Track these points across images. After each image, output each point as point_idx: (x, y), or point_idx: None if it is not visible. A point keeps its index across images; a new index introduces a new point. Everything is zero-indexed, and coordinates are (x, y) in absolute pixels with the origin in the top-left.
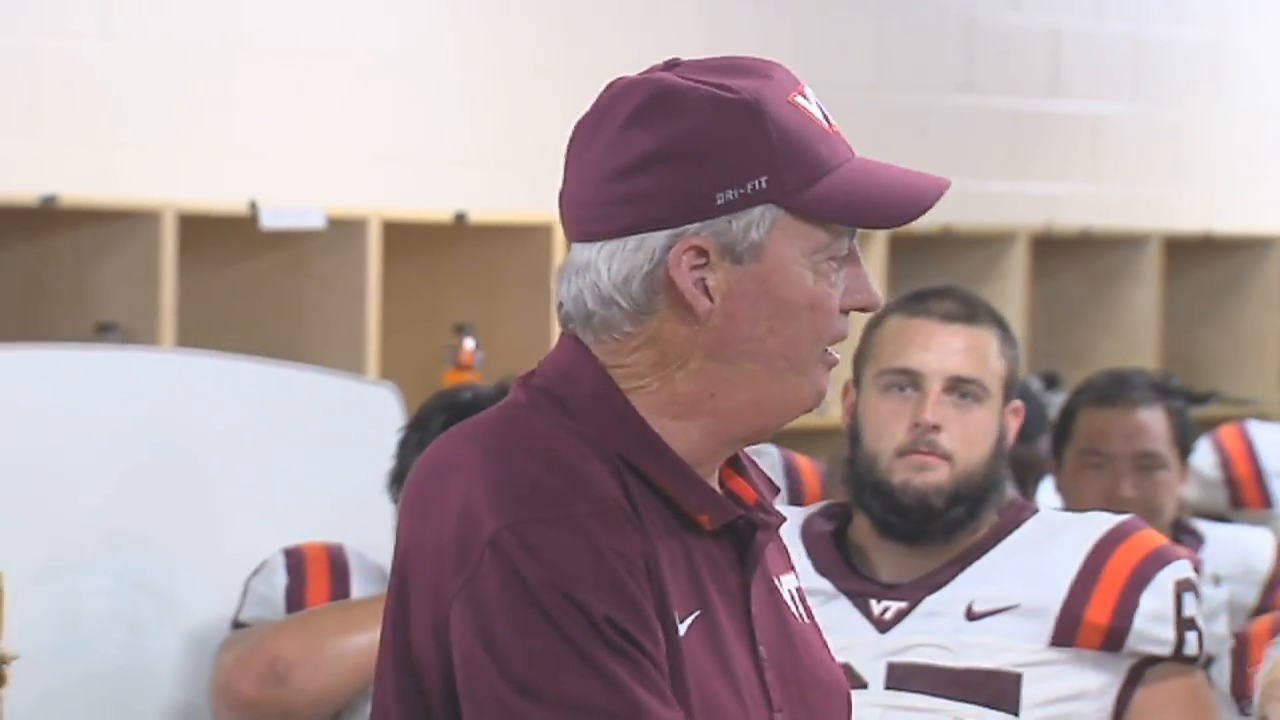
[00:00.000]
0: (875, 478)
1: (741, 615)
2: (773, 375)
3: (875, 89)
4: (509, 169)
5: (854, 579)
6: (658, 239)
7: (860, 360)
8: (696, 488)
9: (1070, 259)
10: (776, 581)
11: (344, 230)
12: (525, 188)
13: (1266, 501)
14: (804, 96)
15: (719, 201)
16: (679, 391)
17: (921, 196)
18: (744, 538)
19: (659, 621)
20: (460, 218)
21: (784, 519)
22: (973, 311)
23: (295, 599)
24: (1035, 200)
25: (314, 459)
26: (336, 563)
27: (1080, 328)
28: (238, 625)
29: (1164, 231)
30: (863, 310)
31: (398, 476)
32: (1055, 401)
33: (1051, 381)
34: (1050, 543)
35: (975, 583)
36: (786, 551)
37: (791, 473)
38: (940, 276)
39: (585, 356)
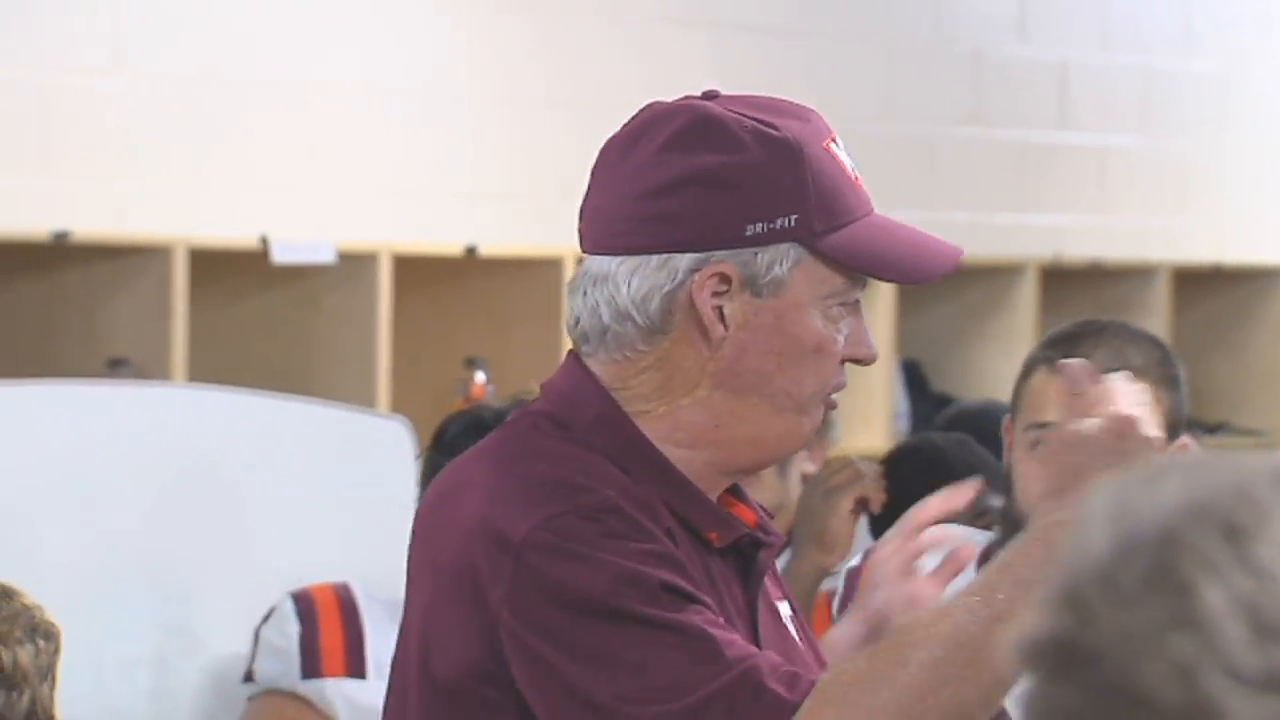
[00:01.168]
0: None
1: (748, 632)
2: (775, 412)
3: (884, 121)
4: (519, 202)
5: None
6: (683, 261)
7: (1014, 405)
8: (704, 506)
9: (1079, 290)
10: (776, 605)
11: (355, 264)
12: (535, 221)
13: None
14: (836, 144)
15: (748, 233)
16: (683, 420)
17: (939, 260)
18: (747, 556)
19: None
20: (470, 251)
21: (784, 540)
22: (1122, 361)
23: (309, 648)
24: (1044, 232)
25: (326, 493)
26: (345, 604)
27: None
28: (250, 678)
29: (1173, 262)
30: (858, 363)
31: None
32: None
33: None
34: None
35: None
36: (779, 578)
37: None
38: (949, 308)
39: (589, 380)
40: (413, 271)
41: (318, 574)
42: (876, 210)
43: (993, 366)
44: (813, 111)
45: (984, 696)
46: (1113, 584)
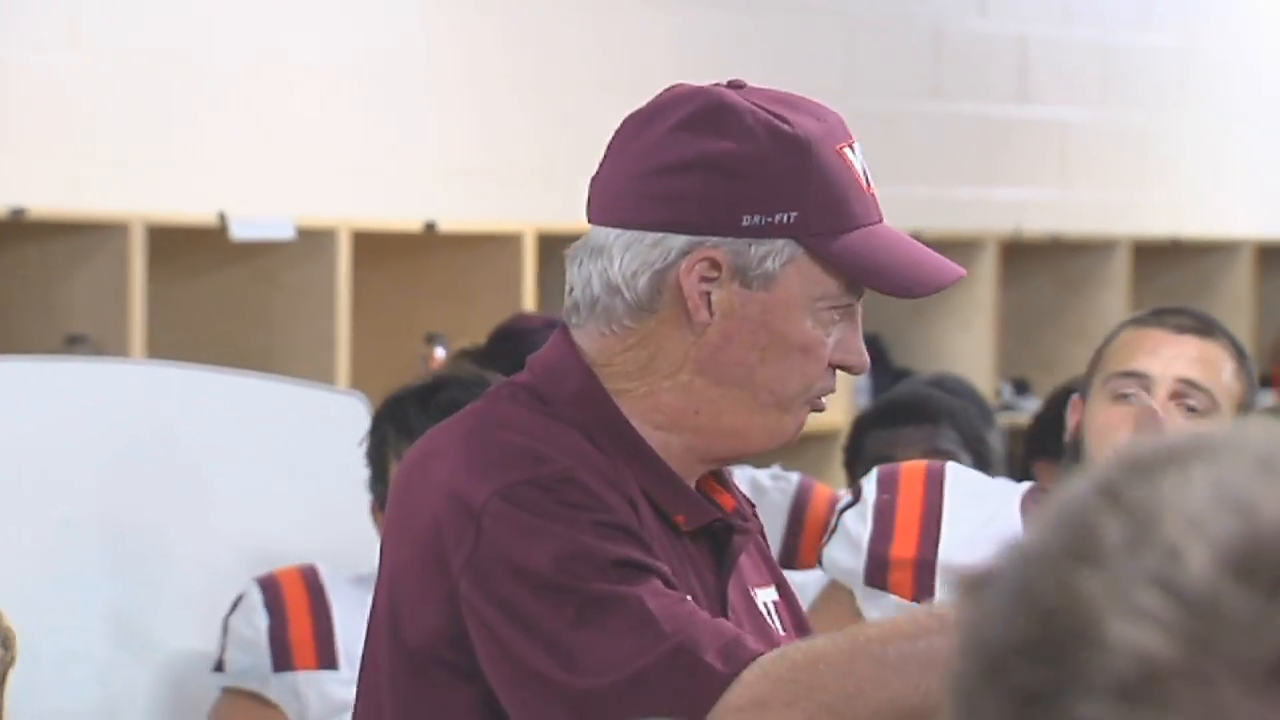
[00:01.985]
0: None
1: (718, 611)
2: (757, 406)
3: (844, 96)
4: (478, 179)
5: None
6: (676, 241)
7: (1089, 374)
8: (675, 488)
9: (1039, 264)
10: (752, 593)
11: (314, 241)
12: (495, 197)
13: None
14: (851, 150)
15: (745, 223)
16: (664, 402)
17: (934, 276)
18: (720, 541)
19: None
20: (430, 227)
21: (761, 527)
22: (1208, 327)
23: (279, 641)
24: (1004, 206)
25: (284, 469)
26: (314, 591)
27: (1049, 333)
28: (220, 668)
29: (1132, 236)
30: (848, 371)
31: (384, 473)
32: (1027, 406)
33: (1020, 387)
34: None
35: None
36: (768, 561)
37: (800, 500)
38: None
39: (574, 354)
40: (372, 248)
41: (277, 550)
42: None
43: (953, 341)
44: (833, 113)
45: (926, 706)
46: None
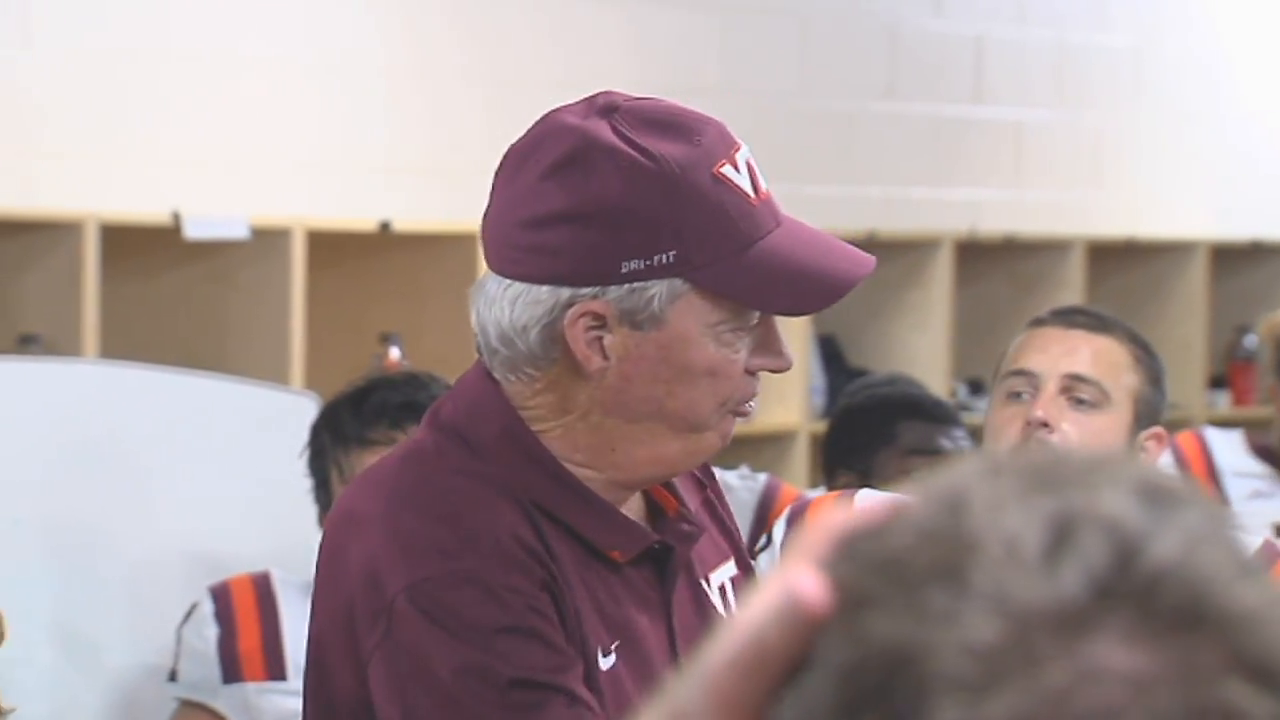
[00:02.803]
0: None
1: (663, 630)
2: (673, 434)
3: (799, 96)
4: (433, 178)
5: None
6: (559, 294)
7: (994, 381)
8: (607, 522)
9: (994, 265)
10: (704, 583)
11: (268, 240)
12: (450, 197)
13: (1221, 501)
14: (733, 165)
15: (624, 270)
16: (580, 442)
17: (837, 285)
18: (661, 557)
19: (577, 649)
20: (385, 227)
21: (701, 530)
22: (1103, 323)
23: (228, 653)
24: (959, 206)
25: (238, 469)
26: (264, 601)
27: (1004, 333)
28: (174, 677)
29: (1087, 237)
30: (771, 371)
31: (326, 481)
32: (981, 406)
33: (976, 387)
34: None
35: None
36: (731, 537)
37: (767, 499)
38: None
39: (495, 395)
40: (326, 247)
41: (229, 552)
42: (788, 215)
43: (908, 340)
44: (712, 125)
45: None
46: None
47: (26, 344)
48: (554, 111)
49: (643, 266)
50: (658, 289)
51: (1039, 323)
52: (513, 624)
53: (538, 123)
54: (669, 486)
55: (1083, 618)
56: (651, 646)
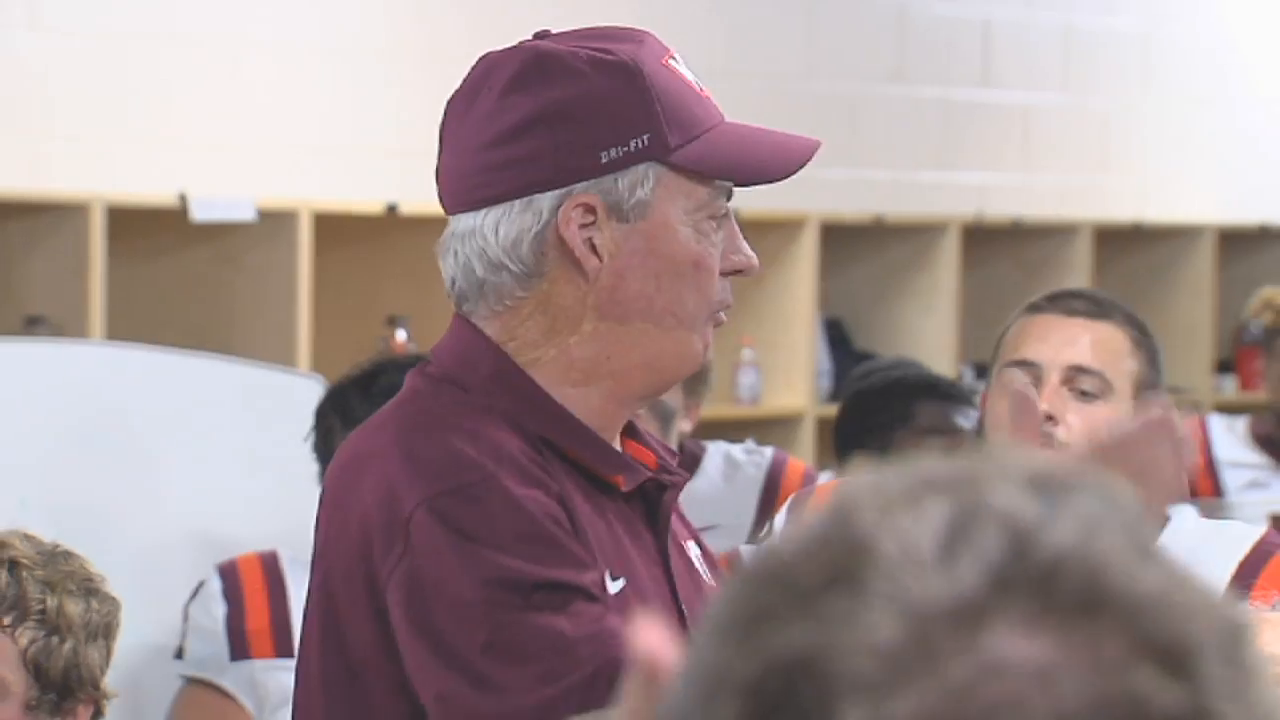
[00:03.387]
0: None
1: (661, 574)
2: (663, 332)
3: (806, 79)
4: None
5: None
6: (545, 199)
7: (991, 365)
8: (606, 452)
9: (1001, 249)
10: (685, 546)
11: (275, 222)
12: None
13: (1218, 490)
14: (675, 60)
15: (603, 160)
16: (576, 357)
17: (794, 155)
18: (652, 499)
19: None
20: (391, 209)
21: (687, 477)
22: (1102, 308)
23: (236, 631)
24: (966, 190)
25: (245, 451)
26: (272, 579)
27: (1011, 317)
28: (180, 655)
29: (1094, 221)
30: (739, 274)
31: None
32: None
33: (982, 371)
34: (1197, 553)
35: None
36: (685, 518)
37: (774, 474)
38: (872, 266)
39: (479, 338)
40: (333, 229)
41: (236, 533)
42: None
43: (915, 324)
44: (645, 33)
45: None
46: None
47: (33, 325)
48: (485, 54)
49: (620, 154)
50: (639, 174)
51: (1036, 309)
52: (532, 531)
53: (473, 67)
54: (645, 442)
55: (981, 611)
56: (647, 583)
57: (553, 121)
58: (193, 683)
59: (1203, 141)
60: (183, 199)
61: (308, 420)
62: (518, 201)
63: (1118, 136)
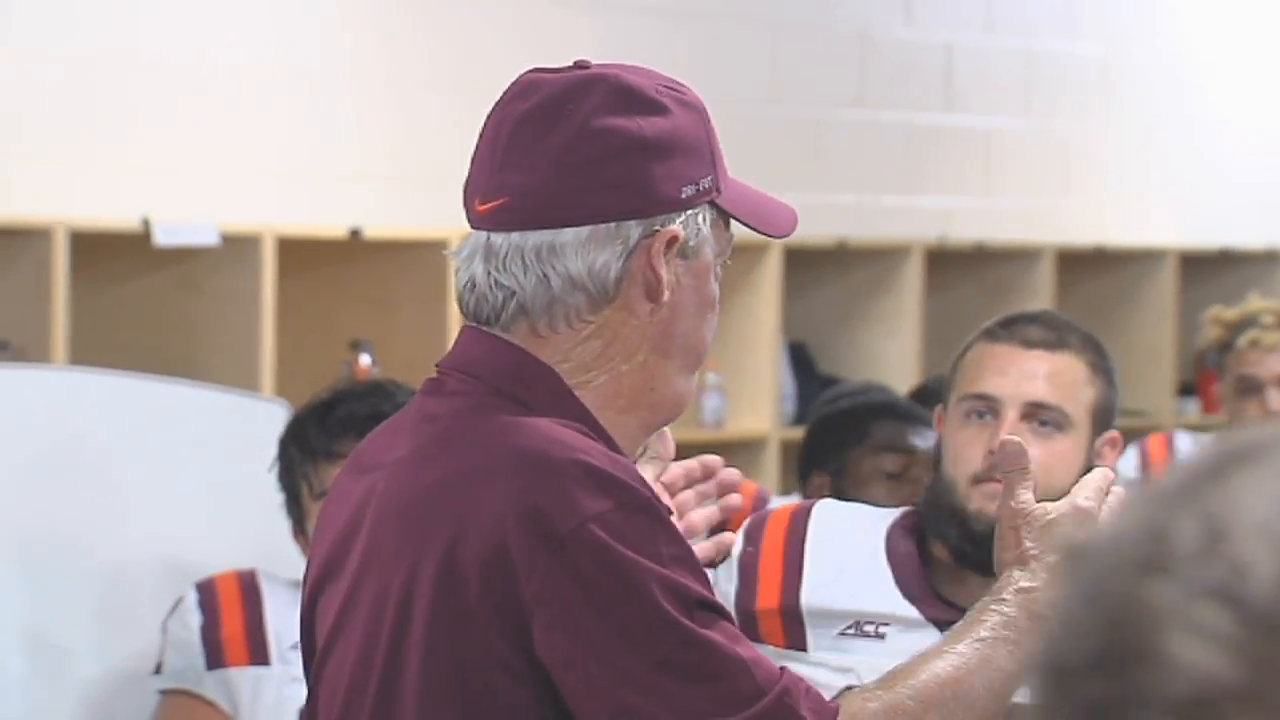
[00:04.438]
0: (951, 504)
1: None
2: (686, 370)
3: (769, 103)
4: (403, 185)
5: (940, 607)
6: (633, 227)
7: (947, 388)
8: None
9: (964, 272)
10: None
11: (238, 247)
12: (420, 203)
13: None
14: None
15: (684, 195)
16: (625, 385)
17: (789, 216)
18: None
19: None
20: (355, 234)
21: (670, 510)
22: (1059, 337)
23: (211, 639)
24: (929, 214)
25: (208, 477)
26: (248, 590)
27: None
28: (159, 670)
29: (1056, 244)
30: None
31: (297, 496)
32: None
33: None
34: None
35: None
36: None
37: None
38: (835, 290)
39: (529, 356)
40: (297, 254)
41: (199, 559)
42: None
43: (879, 348)
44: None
45: None
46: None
47: None
48: (531, 73)
49: (694, 192)
50: (703, 214)
51: (993, 337)
52: (682, 553)
53: (533, 86)
54: None
55: None
56: None
57: (645, 151)
58: (170, 694)
59: (1164, 165)
60: (146, 223)
61: (271, 445)
62: (604, 226)
63: (1079, 160)
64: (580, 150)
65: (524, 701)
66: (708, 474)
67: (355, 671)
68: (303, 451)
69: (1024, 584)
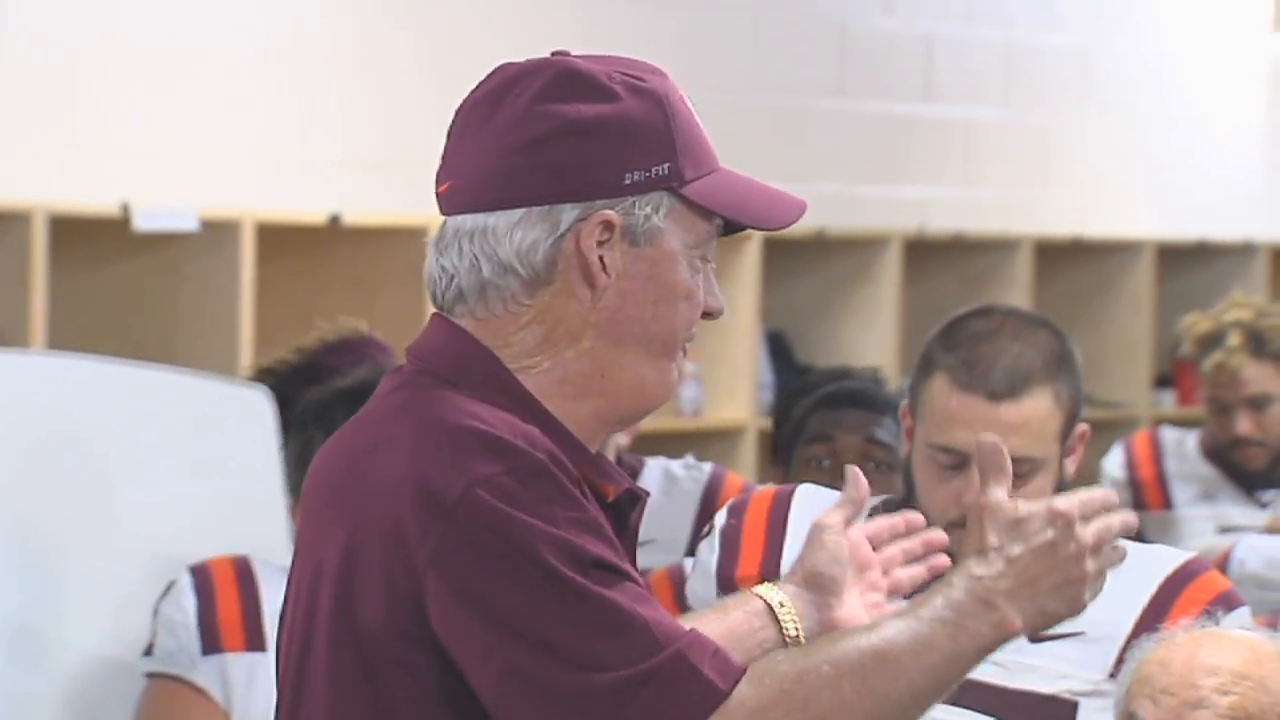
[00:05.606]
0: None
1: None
2: (650, 358)
3: (750, 93)
4: (383, 171)
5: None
6: (566, 211)
7: (913, 398)
8: (595, 461)
9: (943, 263)
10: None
11: (217, 232)
12: (400, 190)
13: (1167, 504)
14: (686, 100)
15: (627, 181)
16: (571, 370)
17: (791, 207)
18: (624, 511)
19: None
20: (335, 220)
21: (648, 494)
22: (1023, 379)
23: (207, 623)
24: (908, 204)
25: (186, 461)
26: (243, 575)
27: None
28: (149, 652)
29: (1035, 236)
30: (711, 316)
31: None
32: None
33: None
34: (1118, 572)
35: None
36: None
37: (712, 488)
38: (814, 280)
39: (470, 340)
40: (276, 240)
41: (178, 545)
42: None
43: (857, 338)
44: (661, 69)
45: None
46: None
47: None
48: (503, 65)
49: (643, 179)
50: (655, 200)
51: (958, 382)
52: (582, 517)
53: (491, 75)
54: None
55: None
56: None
57: (584, 135)
58: (159, 679)
59: (1142, 157)
60: (125, 209)
61: (250, 430)
62: (537, 209)
63: (1058, 151)
64: (517, 134)
65: (425, 670)
66: (911, 530)
67: (285, 649)
68: (328, 435)
69: (976, 571)
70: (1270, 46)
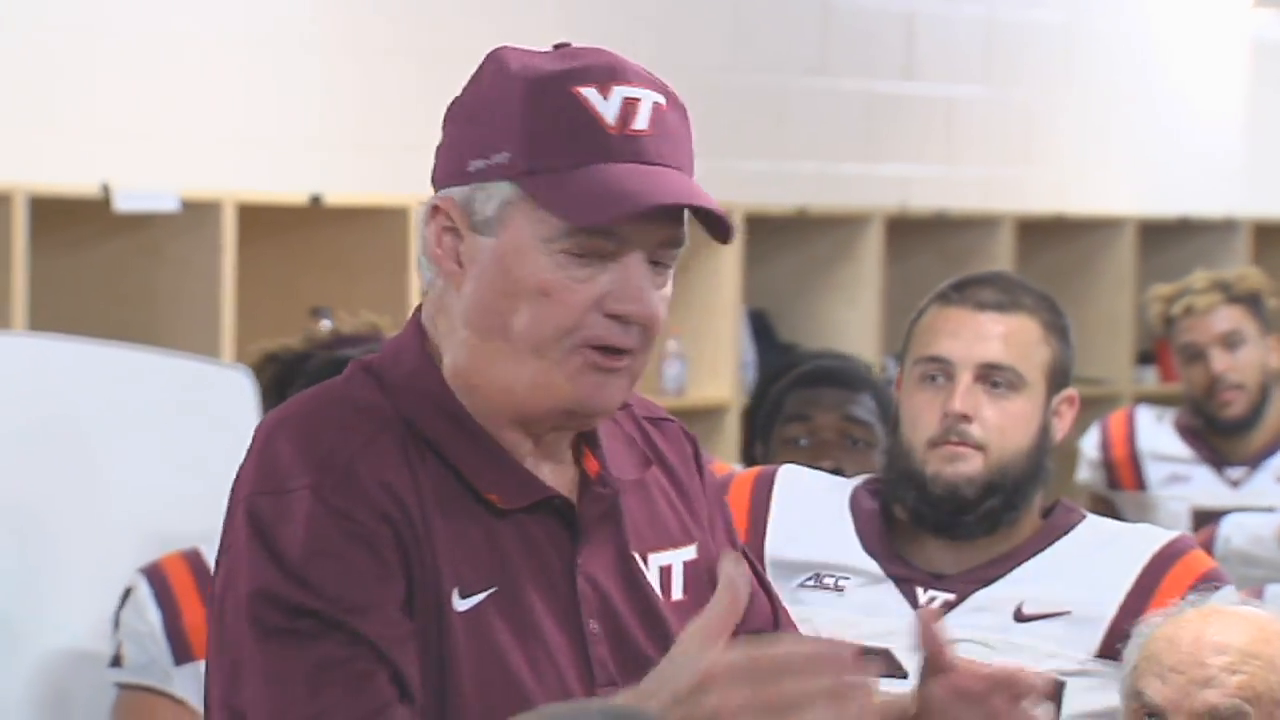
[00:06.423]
0: (909, 468)
1: (563, 592)
2: (517, 357)
3: (731, 71)
4: (364, 151)
5: (901, 564)
6: (431, 199)
7: (903, 353)
8: (493, 465)
9: (925, 240)
10: (640, 559)
11: (198, 213)
12: (381, 170)
13: (1140, 484)
14: (602, 92)
15: (470, 169)
16: (460, 363)
17: (634, 201)
18: (568, 516)
19: (421, 590)
20: (316, 200)
21: (615, 493)
22: (1012, 299)
23: (175, 634)
24: (890, 182)
25: (168, 443)
26: (199, 572)
27: None
28: (118, 663)
29: (1016, 213)
30: (621, 320)
31: None
32: None
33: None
34: (1104, 551)
35: (1026, 583)
36: (680, 523)
37: None
38: (796, 258)
39: (414, 334)
40: (257, 220)
41: (158, 526)
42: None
43: (839, 316)
44: (605, 55)
45: None
46: None
47: None
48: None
49: (484, 166)
50: (494, 190)
51: (946, 300)
52: (326, 549)
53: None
54: (598, 453)
55: None
56: (535, 600)
57: (455, 120)
58: (132, 691)
59: (1124, 134)
60: (106, 189)
61: (231, 411)
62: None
63: (1040, 129)
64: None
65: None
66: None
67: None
68: None
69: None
70: (1251, 24)
